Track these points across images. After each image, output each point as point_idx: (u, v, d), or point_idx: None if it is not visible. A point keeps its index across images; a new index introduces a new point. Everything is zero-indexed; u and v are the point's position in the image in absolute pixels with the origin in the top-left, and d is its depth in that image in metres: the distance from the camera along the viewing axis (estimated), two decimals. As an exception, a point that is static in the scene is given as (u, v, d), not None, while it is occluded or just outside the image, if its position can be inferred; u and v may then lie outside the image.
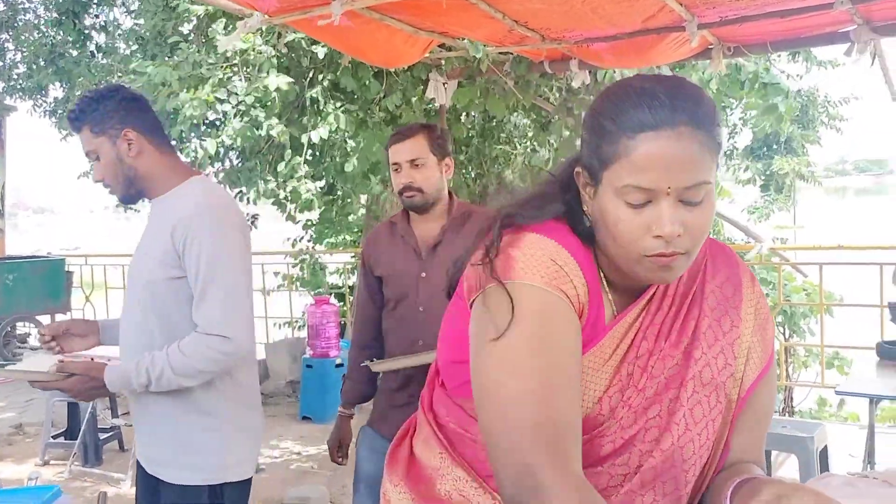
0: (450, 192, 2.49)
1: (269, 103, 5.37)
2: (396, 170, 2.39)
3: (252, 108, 5.33)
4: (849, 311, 5.56)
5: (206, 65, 5.36)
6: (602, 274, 1.12)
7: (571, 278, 1.07)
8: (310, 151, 5.89)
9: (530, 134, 6.83)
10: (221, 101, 5.29)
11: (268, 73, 5.27)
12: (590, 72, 5.01)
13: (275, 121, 5.36)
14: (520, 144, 7.01)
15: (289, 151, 5.75)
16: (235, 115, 5.36)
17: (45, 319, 8.69)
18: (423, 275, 2.40)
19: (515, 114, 6.70)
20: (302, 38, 5.55)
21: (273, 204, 6.50)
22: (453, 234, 2.40)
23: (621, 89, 1.06)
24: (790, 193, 9.01)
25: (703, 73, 5.85)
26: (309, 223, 7.73)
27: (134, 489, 2.04)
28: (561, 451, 0.95)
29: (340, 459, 2.71)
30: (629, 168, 1.01)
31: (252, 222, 7.54)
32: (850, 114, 9.39)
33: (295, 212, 6.23)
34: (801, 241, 9.22)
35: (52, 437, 5.04)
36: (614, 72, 5.22)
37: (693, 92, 1.03)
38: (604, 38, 4.13)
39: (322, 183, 6.43)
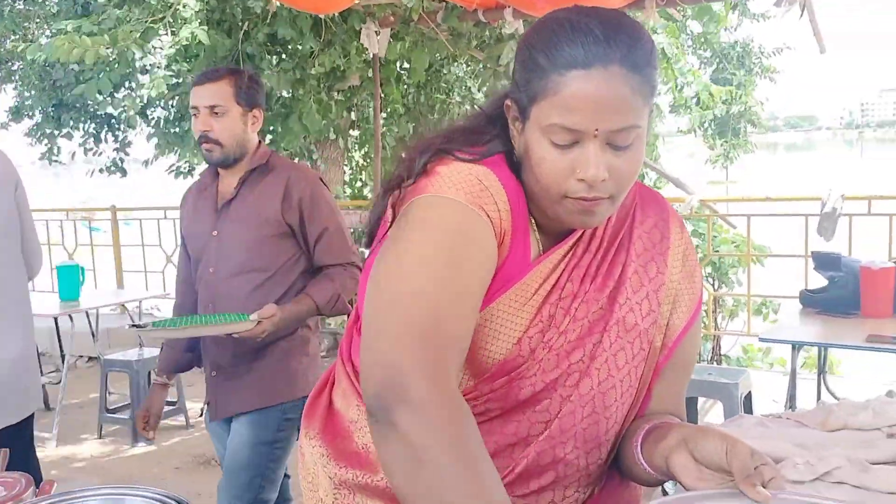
0: (260, 143, 2.30)
1: (193, 57, 5.16)
2: (195, 114, 2.19)
3: (175, 62, 5.11)
4: (776, 262, 5.70)
5: (127, 21, 5.11)
6: (530, 211, 1.08)
7: (496, 201, 1.01)
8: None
9: (469, 84, 6.75)
10: (143, 55, 5.05)
11: (190, 22, 5.05)
12: (524, 20, 4.93)
13: (191, 74, 5.16)
14: (458, 94, 6.93)
15: None
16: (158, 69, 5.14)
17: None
18: (215, 233, 2.24)
19: (456, 63, 6.60)
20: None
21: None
22: (248, 189, 2.23)
23: (556, 22, 0.99)
24: (746, 138, 9.06)
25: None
26: None
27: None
28: (441, 364, 0.87)
29: (148, 432, 2.38)
30: (557, 106, 0.96)
31: (189, 171, 7.31)
32: (782, 67, 9.55)
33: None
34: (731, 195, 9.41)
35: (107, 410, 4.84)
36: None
37: (631, 30, 0.98)
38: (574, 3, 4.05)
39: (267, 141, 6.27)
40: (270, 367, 2.24)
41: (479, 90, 6.37)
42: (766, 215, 5.28)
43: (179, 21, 5.18)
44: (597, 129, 0.95)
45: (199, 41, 5.00)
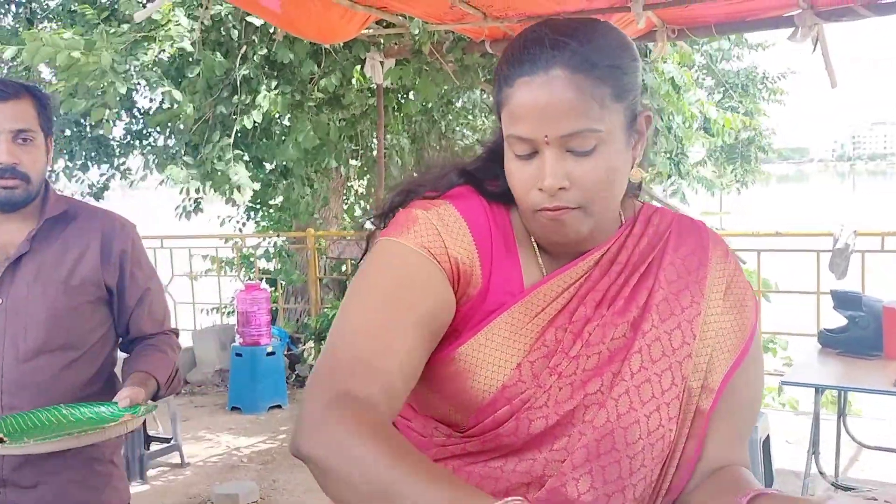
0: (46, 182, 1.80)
1: (182, 79, 5.08)
2: None
3: (164, 80, 5.03)
4: (783, 298, 5.61)
5: (115, 36, 5.03)
6: (526, 236, 1.05)
7: (454, 240, 1.00)
8: (242, 132, 5.64)
9: (478, 115, 6.72)
10: (125, 70, 4.95)
11: (176, 40, 4.98)
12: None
13: (184, 95, 5.07)
14: (467, 126, 6.90)
15: (217, 133, 5.47)
16: (146, 85, 5.06)
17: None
18: (0, 301, 1.68)
19: (465, 94, 6.57)
20: (230, 12, 5.27)
21: (212, 188, 6.25)
22: (45, 243, 1.71)
23: (519, 35, 0.99)
24: (757, 164, 8.96)
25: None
26: (254, 207, 7.48)
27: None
28: (345, 386, 0.88)
29: None
30: (508, 117, 0.96)
31: (196, 207, 7.23)
32: (779, 96, 9.52)
33: (231, 194, 5.97)
34: (728, 228, 9.34)
35: None
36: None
37: (586, 33, 0.95)
38: (548, 17, 4.01)
39: (260, 169, 6.20)
40: (74, 475, 1.72)
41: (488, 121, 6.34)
42: (777, 251, 5.20)
43: (169, 39, 5.11)
44: (546, 136, 0.93)
45: (191, 60, 4.92)
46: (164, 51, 5.03)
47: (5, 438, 1.43)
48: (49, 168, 1.78)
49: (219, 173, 5.43)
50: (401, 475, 0.77)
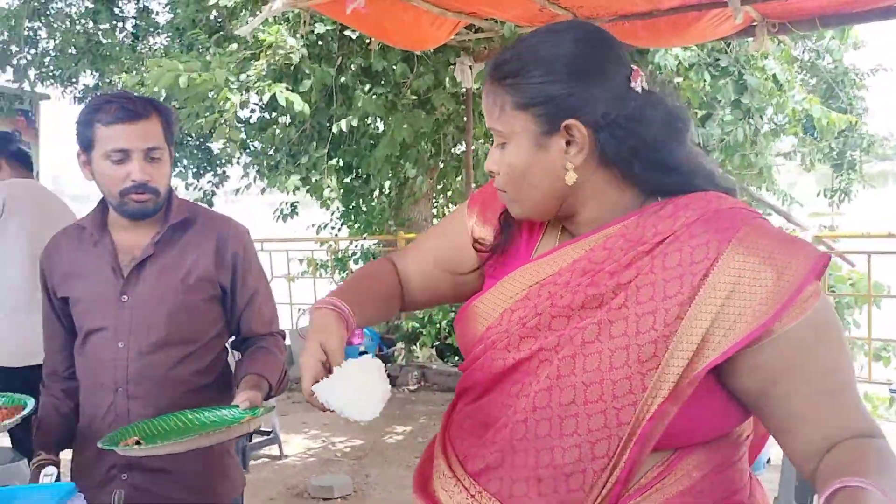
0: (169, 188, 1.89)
1: (291, 90, 5.29)
2: (120, 160, 1.71)
3: (273, 85, 5.25)
4: (891, 303, 5.33)
5: (225, 55, 5.32)
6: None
7: (485, 214, 1.27)
8: (334, 140, 5.85)
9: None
10: (237, 83, 5.21)
11: (293, 60, 5.21)
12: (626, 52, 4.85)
13: (296, 97, 5.26)
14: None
15: (314, 143, 5.69)
16: (257, 93, 5.30)
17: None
18: (125, 298, 1.78)
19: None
20: (329, 28, 5.48)
21: (308, 192, 6.47)
22: (168, 245, 1.81)
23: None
24: (861, 171, 8.41)
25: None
26: (346, 213, 7.70)
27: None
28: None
29: None
30: None
31: (292, 211, 7.50)
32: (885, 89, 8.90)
33: (325, 199, 6.19)
34: (843, 230, 8.88)
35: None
36: (652, 51, 5.05)
37: (511, 49, 1.13)
38: (640, 16, 3.98)
39: (349, 176, 6.38)
40: (196, 463, 1.79)
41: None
42: (889, 253, 4.95)
43: (278, 57, 5.34)
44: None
45: (298, 74, 5.13)
46: (272, 64, 5.26)
47: (141, 441, 1.55)
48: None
49: (313, 181, 5.62)
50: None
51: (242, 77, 5.28)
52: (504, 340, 1.11)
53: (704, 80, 5.89)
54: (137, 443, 1.51)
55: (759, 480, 1.19)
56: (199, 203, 1.92)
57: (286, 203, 7.64)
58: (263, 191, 7.52)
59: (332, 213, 7.94)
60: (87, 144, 1.75)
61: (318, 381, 1.06)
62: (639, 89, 1.08)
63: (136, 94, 1.84)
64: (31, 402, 1.70)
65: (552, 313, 1.08)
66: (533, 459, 1.05)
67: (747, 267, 1.00)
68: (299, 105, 5.27)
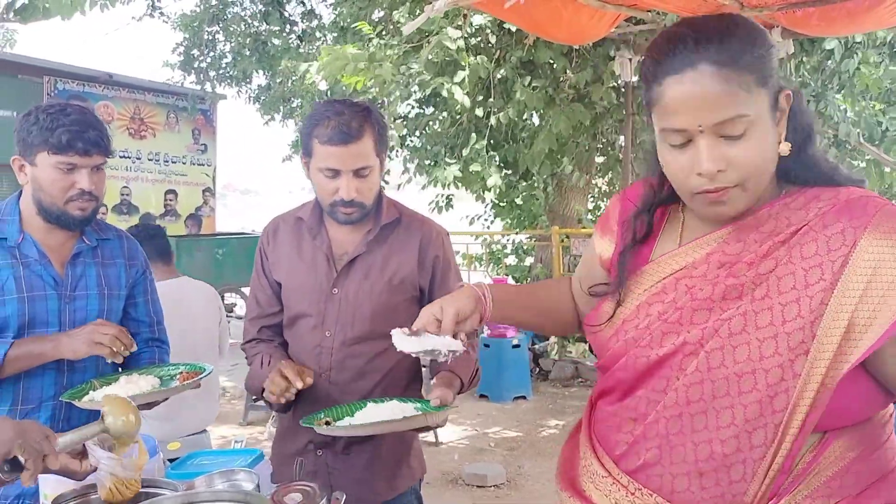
0: (381, 190, 1.96)
1: (453, 70, 5.39)
2: (331, 176, 1.82)
3: (435, 77, 5.39)
4: None
5: (388, 47, 5.51)
6: (678, 208, 1.23)
7: (606, 223, 1.32)
8: (492, 134, 5.92)
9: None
10: (401, 76, 5.39)
11: (454, 52, 5.32)
12: (795, 40, 4.61)
13: (457, 80, 5.37)
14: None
15: (473, 136, 5.80)
16: (410, 85, 5.44)
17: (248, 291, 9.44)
18: (336, 291, 1.89)
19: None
20: (488, 20, 5.56)
21: (463, 185, 6.61)
22: (377, 245, 1.91)
23: (660, 36, 1.11)
24: None
25: None
26: (499, 206, 7.81)
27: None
28: None
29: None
30: (661, 113, 1.08)
31: (447, 203, 7.71)
32: None
33: (483, 192, 6.30)
34: None
35: (253, 400, 5.44)
36: (823, 40, 4.77)
37: (722, 29, 1.05)
38: (812, 3, 3.77)
39: (506, 170, 6.46)
40: (381, 448, 1.91)
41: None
42: None
43: (438, 48, 5.48)
44: (700, 125, 1.04)
45: (457, 66, 5.24)
46: (434, 58, 5.41)
47: (330, 422, 1.67)
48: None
49: (472, 173, 5.73)
50: None
51: (403, 69, 5.45)
52: (646, 338, 1.14)
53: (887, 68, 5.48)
54: (327, 423, 1.65)
55: None
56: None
57: (442, 195, 7.85)
58: (424, 187, 7.75)
59: (486, 206, 8.07)
60: (307, 153, 1.87)
61: (414, 330, 1.27)
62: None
63: (351, 101, 1.89)
64: (208, 367, 1.92)
65: (693, 306, 1.11)
66: (692, 453, 1.08)
67: (886, 251, 1.03)
68: (460, 96, 5.36)
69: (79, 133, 1.82)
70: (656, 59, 1.08)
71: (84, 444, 1.33)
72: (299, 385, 1.72)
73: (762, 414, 1.04)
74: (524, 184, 7.16)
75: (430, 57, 5.41)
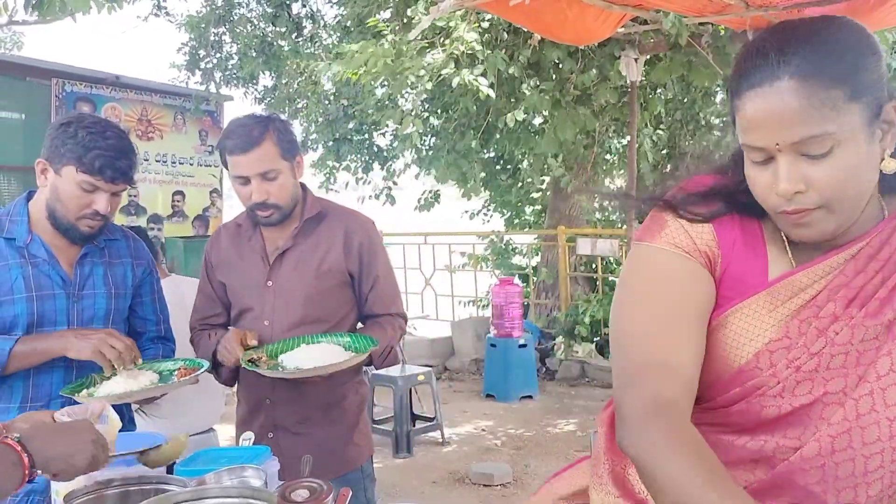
0: (302, 186, 2.15)
1: (464, 62, 5.38)
2: (243, 183, 2.02)
3: (444, 67, 5.38)
4: None
5: (403, 43, 5.51)
6: (777, 232, 1.08)
7: (696, 238, 1.09)
8: (488, 131, 5.93)
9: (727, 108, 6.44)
10: (416, 70, 5.39)
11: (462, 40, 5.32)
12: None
13: (466, 72, 5.36)
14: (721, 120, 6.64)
15: (471, 131, 5.80)
16: (428, 77, 5.43)
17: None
18: (270, 283, 2.09)
19: (716, 88, 6.35)
20: (500, 18, 5.57)
21: (455, 181, 6.61)
22: (303, 238, 2.10)
23: (746, 46, 1.03)
24: None
25: None
26: (492, 202, 7.82)
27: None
28: (659, 397, 0.99)
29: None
30: (742, 127, 1.01)
31: (435, 199, 7.71)
32: None
33: (472, 189, 6.30)
34: None
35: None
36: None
37: (810, 36, 0.97)
38: (816, 3, 3.77)
39: (496, 166, 6.48)
40: (332, 429, 2.11)
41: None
42: None
43: (451, 41, 5.49)
44: (777, 144, 0.97)
45: (468, 50, 5.23)
46: (451, 54, 5.41)
47: (268, 359, 1.94)
48: (299, 178, 2.12)
49: (461, 172, 5.73)
50: (711, 499, 0.88)
51: (425, 63, 5.44)
52: (775, 388, 1.03)
53: None
54: (266, 364, 1.93)
55: None
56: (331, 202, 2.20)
57: (429, 192, 7.84)
58: (417, 176, 7.74)
59: (486, 202, 8.08)
60: (225, 165, 2.08)
61: None
62: None
63: (254, 115, 2.07)
64: (205, 364, 1.95)
65: (832, 352, 1.01)
66: (833, 499, 1.02)
67: None
68: (485, 90, 5.34)
69: (111, 160, 1.85)
70: (738, 70, 1.01)
71: (53, 415, 1.38)
72: (251, 341, 1.98)
73: None
74: (513, 180, 7.16)
75: (444, 53, 5.41)
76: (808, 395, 1.02)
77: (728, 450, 1.07)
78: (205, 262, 2.23)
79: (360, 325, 2.23)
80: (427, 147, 7.05)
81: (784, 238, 1.07)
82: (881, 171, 1.00)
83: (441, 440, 5.02)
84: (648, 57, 5.43)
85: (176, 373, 1.94)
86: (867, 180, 0.99)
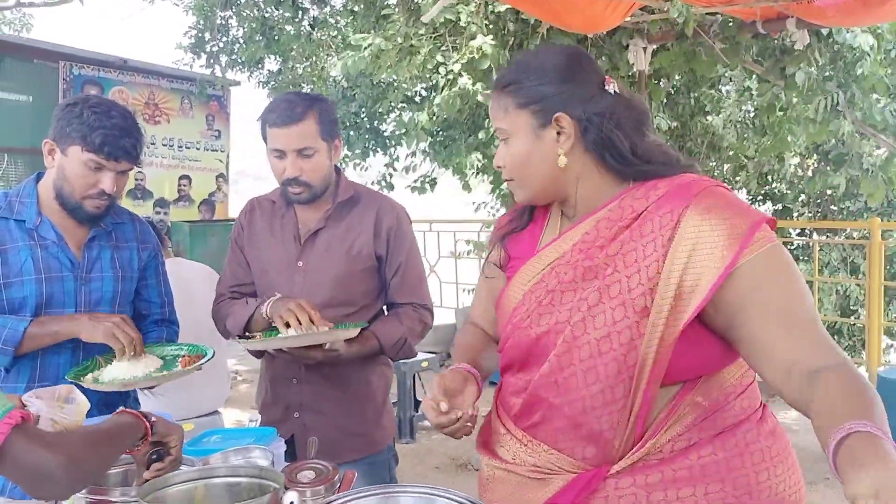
0: (336, 169, 2.16)
1: (476, 70, 5.38)
2: (279, 157, 2.03)
3: (459, 77, 5.38)
4: None
5: (415, 36, 5.50)
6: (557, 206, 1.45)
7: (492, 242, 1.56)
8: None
9: (734, 97, 6.41)
10: (433, 71, 5.39)
11: (475, 37, 5.31)
12: (809, 31, 4.59)
13: (480, 86, 5.37)
14: (723, 109, 6.61)
15: (486, 121, 5.79)
16: (444, 86, 5.42)
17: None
18: (300, 264, 2.10)
19: (724, 77, 6.32)
20: (509, 7, 5.55)
21: (454, 173, 6.59)
22: (335, 220, 2.11)
23: None
24: None
25: None
26: (499, 191, 7.80)
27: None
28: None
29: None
30: None
31: (431, 185, 7.68)
32: None
33: (477, 180, 6.28)
34: None
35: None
36: (841, 31, 4.73)
37: (514, 63, 1.39)
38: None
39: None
40: (355, 408, 2.13)
41: (754, 104, 5.99)
42: None
43: (459, 35, 5.47)
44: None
45: (484, 53, 5.23)
46: (459, 51, 5.41)
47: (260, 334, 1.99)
48: (336, 162, 2.14)
49: (457, 162, 5.72)
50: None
51: (438, 77, 5.45)
52: (527, 320, 1.35)
53: None
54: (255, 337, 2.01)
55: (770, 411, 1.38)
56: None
57: (426, 177, 7.82)
58: (413, 166, 7.71)
59: (494, 194, 8.07)
60: (264, 139, 2.07)
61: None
62: (611, 91, 1.34)
63: (302, 93, 2.10)
64: (210, 352, 1.96)
65: (561, 289, 1.32)
66: (568, 409, 1.29)
67: (705, 222, 1.23)
68: (482, 99, 5.35)
69: (116, 139, 1.86)
70: None
71: (20, 398, 1.39)
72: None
73: (619, 371, 1.25)
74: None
75: (451, 47, 5.40)
76: (546, 324, 1.32)
77: (512, 382, 1.40)
78: (236, 233, 2.22)
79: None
80: (436, 135, 7.04)
81: (560, 213, 1.44)
82: (559, 164, 1.34)
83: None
84: (656, 47, 5.40)
85: (180, 360, 1.95)
86: (539, 165, 1.36)
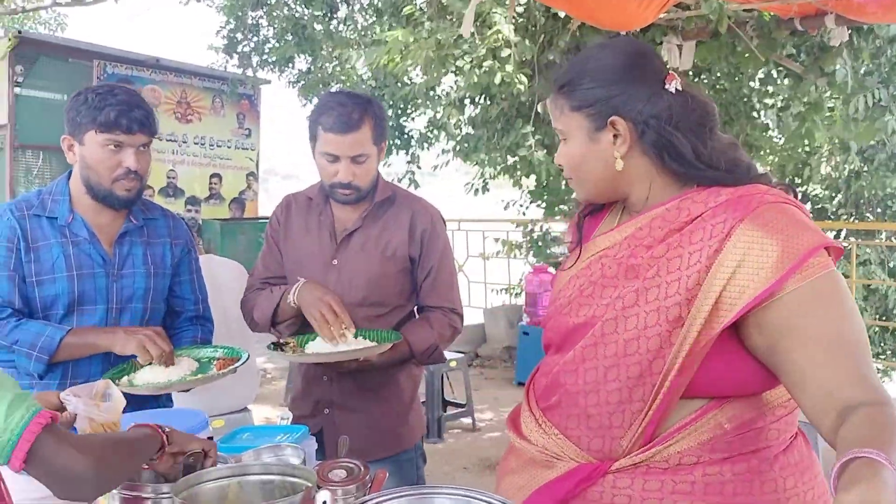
0: (378, 174, 2.16)
1: (502, 55, 5.34)
2: (331, 161, 2.02)
3: (485, 60, 5.34)
4: None
5: (441, 31, 5.47)
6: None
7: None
8: (536, 119, 5.87)
9: (770, 93, 6.29)
10: (456, 58, 5.36)
11: (500, 31, 5.28)
12: (848, 28, 4.49)
13: (509, 67, 5.32)
14: (760, 107, 6.49)
15: (519, 121, 5.76)
16: (471, 69, 5.38)
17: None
18: (335, 262, 2.09)
19: (760, 74, 6.21)
20: (538, 4, 5.51)
21: (501, 172, 6.55)
22: (372, 220, 2.10)
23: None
24: None
25: None
26: (539, 192, 7.74)
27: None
28: None
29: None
30: None
31: (483, 187, 7.68)
32: None
33: (521, 179, 6.23)
34: None
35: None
36: (882, 25, 4.63)
37: (569, 63, 1.36)
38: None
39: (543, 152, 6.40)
40: (385, 407, 2.13)
41: (792, 104, 5.85)
42: None
43: (487, 28, 5.44)
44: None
45: (508, 40, 5.19)
46: (482, 35, 5.37)
47: (296, 346, 2.01)
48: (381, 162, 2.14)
49: (521, 159, 5.69)
50: None
51: (458, 52, 5.41)
52: (567, 307, 1.35)
53: None
54: (292, 349, 2.01)
55: (806, 440, 1.33)
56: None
57: (479, 178, 7.81)
58: (469, 184, 7.72)
59: (523, 192, 8.01)
60: (312, 137, 2.05)
61: None
62: (672, 90, 1.28)
63: (355, 93, 2.08)
64: (245, 354, 1.95)
65: (603, 283, 1.31)
66: (583, 399, 1.29)
67: (756, 239, 1.18)
68: (522, 84, 5.30)
69: (125, 111, 1.87)
70: None
71: (59, 395, 1.42)
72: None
73: (642, 375, 1.23)
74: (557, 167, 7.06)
75: (482, 41, 5.36)
76: (584, 316, 1.31)
77: (546, 363, 1.41)
78: (272, 228, 2.22)
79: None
80: (463, 135, 7.00)
81: (619, 205, 1.44)
82: (616, 167, 1.32)
83: (472, 426, 5.03)
84: (697, 43, 5.33)
85: (215, 363, 1.95)
86: (594, 167, 1.34)
